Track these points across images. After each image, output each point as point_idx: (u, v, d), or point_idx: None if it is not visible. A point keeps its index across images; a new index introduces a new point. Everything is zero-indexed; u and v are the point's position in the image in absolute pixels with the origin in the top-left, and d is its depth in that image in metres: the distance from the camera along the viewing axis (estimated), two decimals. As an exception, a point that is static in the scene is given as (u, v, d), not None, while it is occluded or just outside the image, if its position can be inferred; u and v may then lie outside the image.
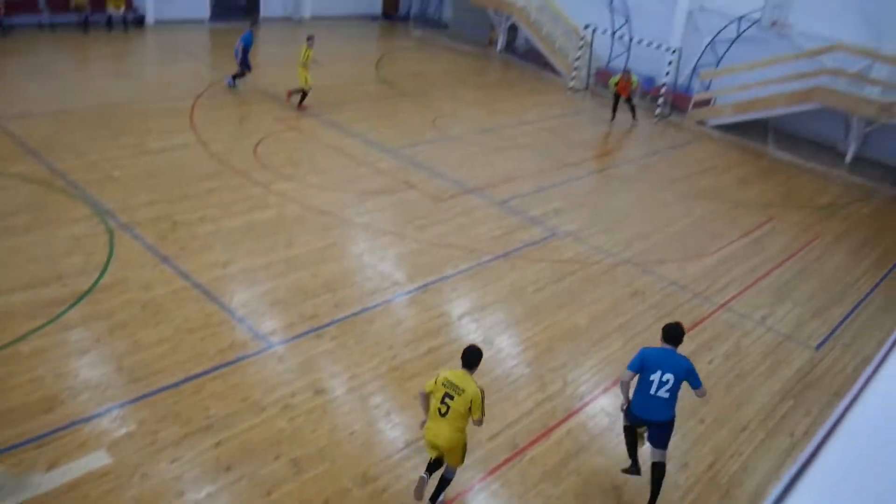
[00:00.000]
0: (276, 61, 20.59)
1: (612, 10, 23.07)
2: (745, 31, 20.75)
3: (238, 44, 17.10)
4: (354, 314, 9.34)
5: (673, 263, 12.09)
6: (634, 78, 19.16)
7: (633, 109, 19.64)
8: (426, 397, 6.33)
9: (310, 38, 16.15)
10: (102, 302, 8.81)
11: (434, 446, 6.29)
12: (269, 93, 17.45)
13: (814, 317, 11.09)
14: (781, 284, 11.97)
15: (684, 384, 6.66)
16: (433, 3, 29.92)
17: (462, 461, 6.48)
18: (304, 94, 16.52)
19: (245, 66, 17.23)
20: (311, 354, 8.47)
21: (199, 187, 12.19)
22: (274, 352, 8.43)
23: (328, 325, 9.03)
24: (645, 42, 21.32)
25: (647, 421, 6.76)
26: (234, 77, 17.29)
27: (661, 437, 6.78)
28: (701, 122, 20.81)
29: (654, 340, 9.64)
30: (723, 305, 10.97)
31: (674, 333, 6.83)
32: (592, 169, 15.93)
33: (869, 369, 3.71)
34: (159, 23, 22.37)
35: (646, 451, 6.97)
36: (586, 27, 22.26)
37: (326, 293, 9.68)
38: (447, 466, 6.49)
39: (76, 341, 8.11)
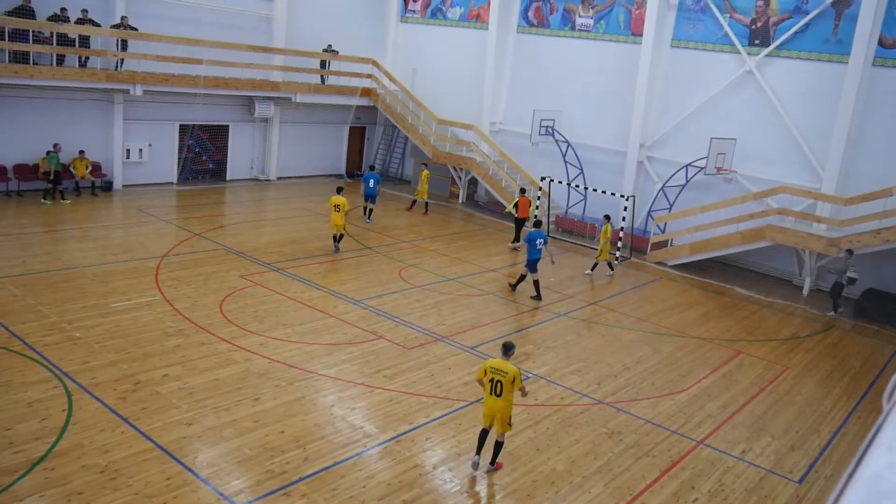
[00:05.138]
0: (241, 220, 20.96)
1: (566, 163, 24.24)
2: (692, 177, 21.87)
3: (374, 185, 21.78)
4: (325, 469, 8.96)
5: (646, 402, 11.99)
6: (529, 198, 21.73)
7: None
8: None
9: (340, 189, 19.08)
10: (58, 469, 8.34)
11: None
12: (234, 251, 17.61)
13: (793, 449, 10.94)
14: (756, 418, 11.87)
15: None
16: (394, 160, 31.19)
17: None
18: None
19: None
20: (279, 515, 8.02)
21: (163, 345, 11.97)
22: (240, 514, 7.97)
23: (297, 481, 8.63)
24: (600, 190, 22.27)
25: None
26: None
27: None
28: (660, 263, 21.39)
29: (635, 482, 9.41)
30: (701, 442, 10.79)
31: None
32: (558, 312, 16.08)
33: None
34: (127, 187, 22.85)
35: None
36: (543, 178, 23.27)
37: (295, 448, 9.32)
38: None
39: (27, 513, 7.59)
